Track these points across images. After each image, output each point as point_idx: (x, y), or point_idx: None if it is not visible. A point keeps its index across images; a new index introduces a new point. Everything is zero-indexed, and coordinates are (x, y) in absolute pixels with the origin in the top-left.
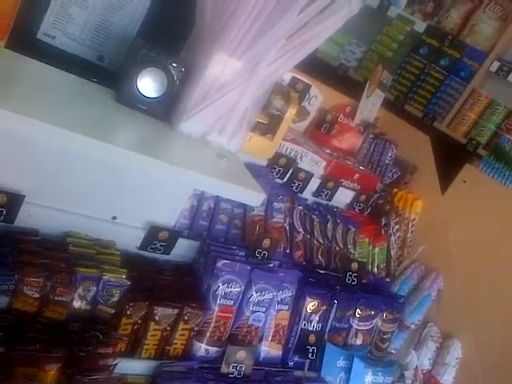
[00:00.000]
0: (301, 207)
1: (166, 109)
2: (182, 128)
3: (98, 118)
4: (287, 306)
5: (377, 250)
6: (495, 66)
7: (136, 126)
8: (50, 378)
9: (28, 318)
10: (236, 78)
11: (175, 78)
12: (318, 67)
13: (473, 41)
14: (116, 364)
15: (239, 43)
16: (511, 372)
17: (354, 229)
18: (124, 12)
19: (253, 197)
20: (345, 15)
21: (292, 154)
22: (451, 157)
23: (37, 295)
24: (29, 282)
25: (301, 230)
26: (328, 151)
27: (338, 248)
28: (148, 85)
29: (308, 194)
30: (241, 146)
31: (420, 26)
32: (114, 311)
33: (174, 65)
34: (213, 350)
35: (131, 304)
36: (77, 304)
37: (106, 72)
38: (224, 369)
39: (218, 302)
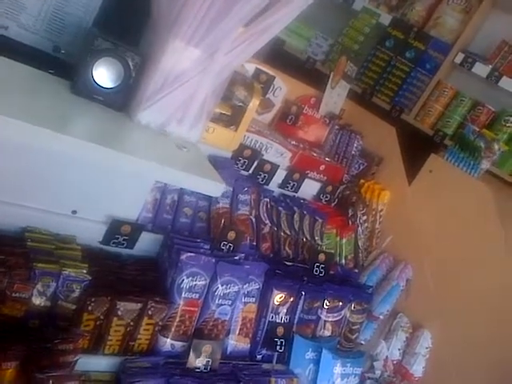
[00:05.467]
0: (267, 199)
1: (123, 99)
2: (139, 119)
3: (54, 109)
4: (254, 299)
5: (344, 240)
6: (460, 57)
7: (93, 118)
8: (7, 377)
9: None
10: (193, 67)
11: (131, 67)
12: (285, 61)
13: (437, 33)
14: (77, 360)
15: (195, 31)
16: (480, 360)
17: (320, 220)
18: (79, 1)
19: (213, 187)
20: (301, 4)
21: (257, 146)
22: (417, 147)
23: None
24: None
25: (267, 222)
26: (294, 143)
27: (305, 239)
28: (104, 75)
29: (274, 186)
30: (201, 136)
31: (385, 19)
32: (75, 307)
33: (131, 54)
34: (178, 344)
35: (93, 299)
36: (36, 300)
37: (62, 63)
38: (190, 363)
39: (183, 295)
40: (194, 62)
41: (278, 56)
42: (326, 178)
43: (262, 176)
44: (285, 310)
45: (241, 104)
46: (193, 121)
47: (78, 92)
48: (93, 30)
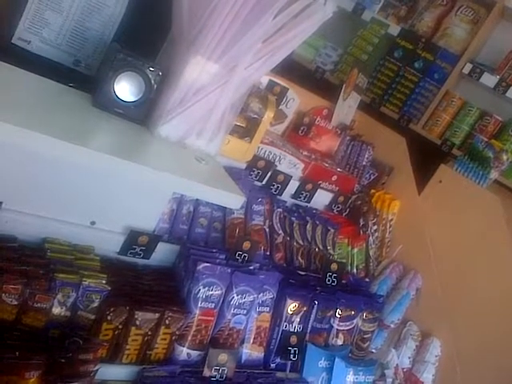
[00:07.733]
0: (280, 209)
1: (143, 113)
2: (159, 132)
3: (74, 122)
4: (268, 308)
5: (356, 250)
6: (468, 68)
7: (113, 130)
8: None
9: (7, 326)
10: (213, 82)
11: (152, 81)
12: (295, 71)
13: (445, 43)
14: (97, 370)
15: (216, 46)
16: (489, 368)
17: (332, 230)
18: (100, 16)
19: (233, 200)
20: (319, 19)
21: (270, 157)
22: (427, 157)
23: (15, 302)
24: (7, 289)
25: (280, 232)
26: (306, 153)
27: (317, 249)
28: (125, 89)
29: (287, 196)
30: (219, 149)
31: (394, 30)
32: (94, 317)
33: (151, 69)
34: (195, 353)
35: (112, 309)
36: (56, 310)
37: (83, 77)
38: (206, 372)
39: (199, 305)
40: (214, 76)
41: (287, 66)
42: (337, 188)
43: (276, 187)
44: (298, 319)
45: (255, 116)
46: (212, 134)
47: (98, 105)
48: (114, 44)
